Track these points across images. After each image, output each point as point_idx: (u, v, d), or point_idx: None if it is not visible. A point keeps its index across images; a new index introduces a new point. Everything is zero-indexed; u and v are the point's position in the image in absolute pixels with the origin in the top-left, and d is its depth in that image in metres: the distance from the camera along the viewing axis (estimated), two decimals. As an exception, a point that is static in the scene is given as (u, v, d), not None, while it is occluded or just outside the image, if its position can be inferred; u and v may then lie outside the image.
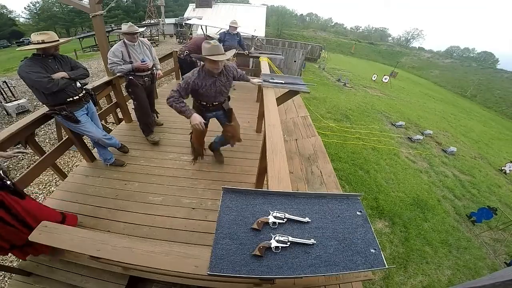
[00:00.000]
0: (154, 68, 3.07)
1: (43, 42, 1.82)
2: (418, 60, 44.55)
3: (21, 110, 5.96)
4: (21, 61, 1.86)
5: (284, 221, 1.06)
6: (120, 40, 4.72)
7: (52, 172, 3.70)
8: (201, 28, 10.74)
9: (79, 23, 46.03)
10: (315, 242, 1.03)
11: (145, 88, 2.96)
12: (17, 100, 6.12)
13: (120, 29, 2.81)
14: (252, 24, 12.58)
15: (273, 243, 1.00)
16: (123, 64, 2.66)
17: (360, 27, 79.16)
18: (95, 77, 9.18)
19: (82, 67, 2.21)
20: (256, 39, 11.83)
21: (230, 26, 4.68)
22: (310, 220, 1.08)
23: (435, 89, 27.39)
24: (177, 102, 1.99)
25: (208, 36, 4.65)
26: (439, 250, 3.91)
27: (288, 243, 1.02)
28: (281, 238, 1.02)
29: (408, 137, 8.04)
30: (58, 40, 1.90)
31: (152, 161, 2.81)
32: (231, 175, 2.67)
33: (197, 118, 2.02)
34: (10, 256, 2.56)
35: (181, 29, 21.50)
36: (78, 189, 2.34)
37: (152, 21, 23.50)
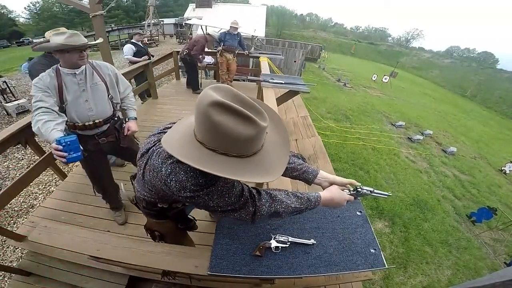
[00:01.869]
0: (122, 114, 1.80)
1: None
2: (418, 60, 44.57)
3: (21, 110, 5.96)
4: (29, 59, 1.87)
5: (287, 245, 1.02)
6: (128, 43, 4.52)
7: (52, 172, 3.70)
8: (201, 28, 10.74)
9: (79, 23, 46.04)
10: (315, 242, 1.03)
11: (104, 151, 1.76)
12: (17, 100, 6.13)
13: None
14: (252, 24, 12.56)
15: (273, 243, 1.00)
16: (51, 116, 1.31)
17: (360, 27, 79.41)
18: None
19: None
20: (256, 39, 11.83)
21: (230, 26, 4.68)
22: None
23: (435, 89, 27.38)
24: (272, 195, 0.83)
25: (209, 34, 4.64)
26: (439, 250, 3.91)
27: (288, 243, 1.02)
28: (281, 238, 1.02)
29: (408, 137, 8.04)
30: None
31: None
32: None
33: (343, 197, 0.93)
34: (10, 256, 2.56)
35: (181, 29, 21.50)
36: (78, 189, 2.34)
37: (144, 22, 23.40)
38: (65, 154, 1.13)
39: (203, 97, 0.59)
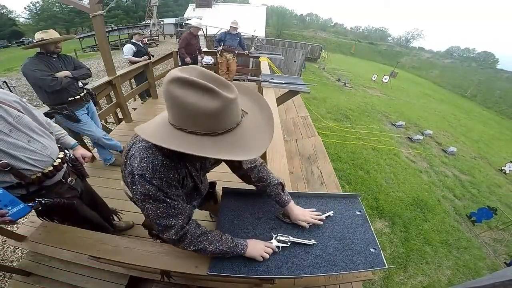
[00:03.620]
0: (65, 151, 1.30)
1: (42, 40, 1.84)
2: (418, 60, 44.56)
3: (21, 110, 5.97)
4: (28, 57, 1.88)
5: (288, 245, 1.02)
6: (128, 43, 4.36)
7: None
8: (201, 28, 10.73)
9: (79, 23, 46.12)
10: (315, 242, 1.03)
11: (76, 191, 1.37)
12: (17, 100, 6.13)
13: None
14: (252, 24, 12.58)
15: (274, 243, 1.00)
16: None
17: (360, 27, 79.50)
18: (95, 77, 9.19)
19: (85, 68, 2.23)
20: (256, 39, 11.83)
21: (230, 26, 4.69)
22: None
23: (435, 89, 27.38)
24: (200, 238, 0.83)
25: (193, 26, 4.55)
26: (439, 250, 3.91)
27: (289, 243, 1.02)
28: (282, 238, 1.02)
29: (408, 137, 8.04)
30: (56, 37, 1.92)
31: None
32: (231, 175, 2.67)
33: (263, 248, 0.95)
34: (10, 256, 2.56)
35: (181, 29, 21.53)
36: (78, 189, 2.34)
37: (148, 22, 23.47)
38: (3, 211, 0.86)
39: (166, 77, 0.57)
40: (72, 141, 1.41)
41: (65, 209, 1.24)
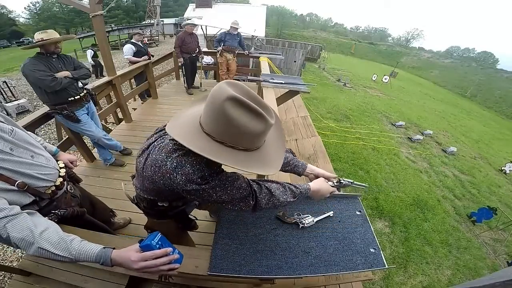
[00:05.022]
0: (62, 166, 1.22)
1: (42, 40, 1.84)
2: (418, 60, 44.59)
3: (21, 110, 5.97)
4: (28, 58, 1.88)
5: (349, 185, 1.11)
6: (128, 43, 4.35)
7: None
8: (201, 28, 10.74)
9: (79, 23, 46.15)
10: (332, 214, 1.14)
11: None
12: (17, 100, 6.14)
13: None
14: (252, 24, 12.57)
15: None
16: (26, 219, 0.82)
17: (360, 27, 79.68)
18: (95, 77, 9.18)
19: (85, 68, 2.24)
20: (256, 39, 11.82)
21: (231, 26, 4.68)
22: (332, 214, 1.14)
23: (435, 89, 27.39)
24: (267, 196, 0.85)
25: (187, 24, 4.52)
26: (439, 250, 3.90)
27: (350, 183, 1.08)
28: (344, 182, 1.07)
29: (408, 137, 8.04)
30: (56, 37, 1.92)
31: (152, 161, 2.80)
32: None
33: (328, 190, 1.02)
34: (10, 256, 2.56)
35: (181, 29, 21.53)
36: (78, 189, 2.34)
37: (152, 21, 23.52)
38: (176, 255, 0.76)
39: (220, 91, 0.61)
40: (53, 147, 1.34)
41: (77, 218, 1.24)
